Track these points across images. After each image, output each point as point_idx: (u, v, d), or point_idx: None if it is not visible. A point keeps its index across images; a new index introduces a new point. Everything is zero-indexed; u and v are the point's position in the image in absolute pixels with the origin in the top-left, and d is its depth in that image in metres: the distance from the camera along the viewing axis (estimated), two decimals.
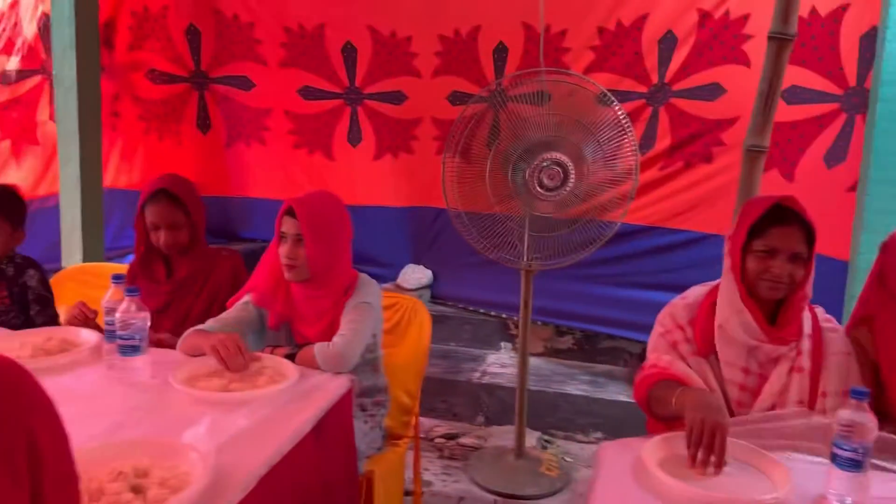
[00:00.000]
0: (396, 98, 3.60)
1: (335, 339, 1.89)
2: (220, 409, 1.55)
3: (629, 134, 2.57)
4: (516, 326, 3.97)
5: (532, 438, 3.42)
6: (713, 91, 3.01)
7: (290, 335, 2.05)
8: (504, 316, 3.79)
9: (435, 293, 3.99)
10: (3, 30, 3.57)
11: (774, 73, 2.27)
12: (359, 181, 3.82)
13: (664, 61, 3.06)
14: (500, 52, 3.35)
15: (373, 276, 3.97)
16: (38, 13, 3.54)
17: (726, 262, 1.59)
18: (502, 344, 3.97)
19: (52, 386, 0.78)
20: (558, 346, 3.91)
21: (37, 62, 3.62)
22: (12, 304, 2.20)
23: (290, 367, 1.78)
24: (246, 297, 2.07)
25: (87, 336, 1.94)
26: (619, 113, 2.53)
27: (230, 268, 2.29)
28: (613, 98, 2.54)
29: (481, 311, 3.90)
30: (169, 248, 2.19)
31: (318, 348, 1.86)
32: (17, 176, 3.76)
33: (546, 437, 3.42)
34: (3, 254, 2.24)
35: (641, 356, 3.84)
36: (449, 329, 3.90)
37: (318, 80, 3.59)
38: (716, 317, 1.60)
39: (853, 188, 2.56)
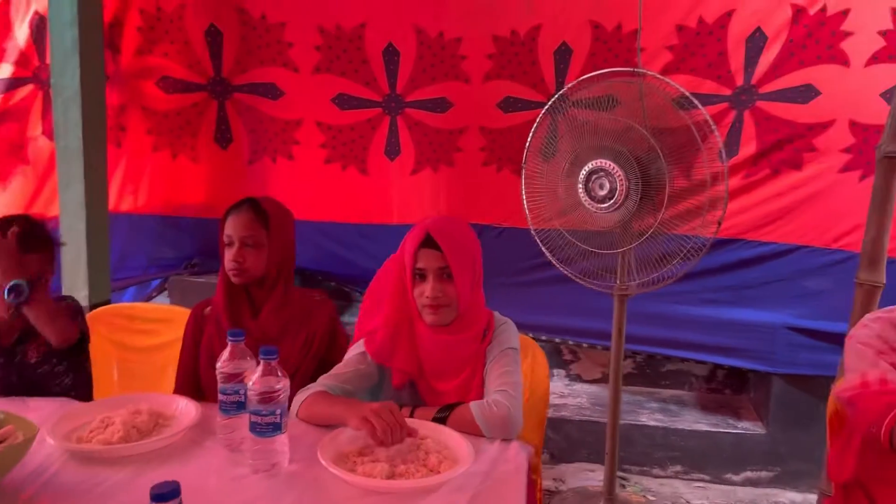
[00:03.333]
0: (441, 106, 3.26)
1: (496, 396, 1.55)
2: (397, 501, 1.20)
3: (715, 140, 2.29)
4: (571, 352, 3.68)
5: (602, 474, 3.12)
6: (805, 93, 2.78)
7: (415, 392, 1.70)
8: (557, 340, 3.48)
9: None
10: None
11: None
12: (394, 198, 3.47)
13: (751, 62, 2.81)
14: (563, 54, 3.06)
15: None
16: (31, 13, 3.08)
17: None
18: (554, 371, 3.66)
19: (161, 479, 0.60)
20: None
21: (28, 69, 3.15)
22: (50, 352, 1.79)
23: (455, 438, 1.43)
24: (362, 348, 1.71)
25: (183, 406, 1.55)
26: (704, 117, 2.26)
27: (327, 316, 1.93)
28: (696, 101, 2.26)
29: (530, 335, 3.58)
30: (239, 271, 1.82)
31: (478, 410, 1.52)
32: (3, 200, 3.28)
33: (621, 475, 3.13)
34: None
35: (708, 379, 3.61)
36: None
37: (355, 87, 3.22)
38: None
39: None
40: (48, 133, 3.19)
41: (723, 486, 3.09)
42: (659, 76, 2.30)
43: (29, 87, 3.15)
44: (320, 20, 3.10)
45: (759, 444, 3.10)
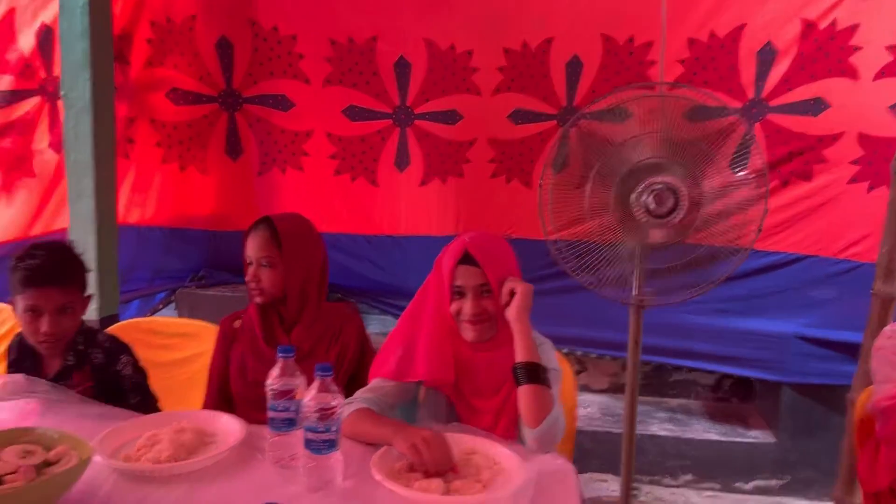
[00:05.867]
0: (450, 118, 3.27)
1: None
2: None
3: (751, 151, 2.33)
4: (578, 362, 3.69)
5: (614, 484, 3.14)
6: (815, 106, 2.83)
7: (451, 409, 1.69)
8: (565, 351, 3.49)
9: None
10: None
11: None
12: (403, 209, 3.47)
13: (762, 75, 2.86)
14: (574, 67, 3.08)
15: None
16: (38, 24, 3.05)
17: None
18: None
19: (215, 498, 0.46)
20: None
21: (35, 81, 3.11)
22: (98, 393, 1.76)
23: (503, 453, 1.44)
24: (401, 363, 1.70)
25: (227, 423, 1.54)
26: (738, 128, 2.28)
27: (357, 330, 1.93)
28: (729, 110, 2.29)
29: None
30: (258, 291, 1.83)
31: (558, 412, 1.53)
32: (8, 213, 3.23)
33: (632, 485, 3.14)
34: (73, 329, 1.81)
35: (714, 388, 3.64)
36: None
37: (365, 99, 3.22)
38: None
39: None
40: (55, 146, 3.15)
41: (733, 495, 3.11)
42: (702, 91, 2.32)
43: (35, 100, 3.10)
44: (332, 33, 3.10)
45: (768, 453, 3.13)
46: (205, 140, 3.23)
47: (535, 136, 3.22)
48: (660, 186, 2.13)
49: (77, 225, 2.97)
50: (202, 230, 3.43)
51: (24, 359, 1.82)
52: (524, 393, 1.51)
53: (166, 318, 2.56)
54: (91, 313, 3.05)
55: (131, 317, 3.19)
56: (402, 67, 3.18)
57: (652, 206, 2.14)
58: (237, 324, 1.97)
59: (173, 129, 3.20)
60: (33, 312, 1.72)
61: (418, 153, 3.35)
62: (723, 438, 3.17)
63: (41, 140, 3.15)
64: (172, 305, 3.50)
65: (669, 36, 2.92)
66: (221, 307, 3.27)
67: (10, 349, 1.89)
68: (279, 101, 3.21)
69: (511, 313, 1.57)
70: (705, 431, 3.22)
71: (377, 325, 3.88)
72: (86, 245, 2.98)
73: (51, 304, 1.72)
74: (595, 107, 2.44)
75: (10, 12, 3.02)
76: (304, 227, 1.93)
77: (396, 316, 3.71)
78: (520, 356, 1.54)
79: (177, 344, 2.31)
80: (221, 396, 1.95)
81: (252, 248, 1.84)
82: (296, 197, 3.36)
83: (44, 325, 1.72)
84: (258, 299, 1.85)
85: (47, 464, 1.21)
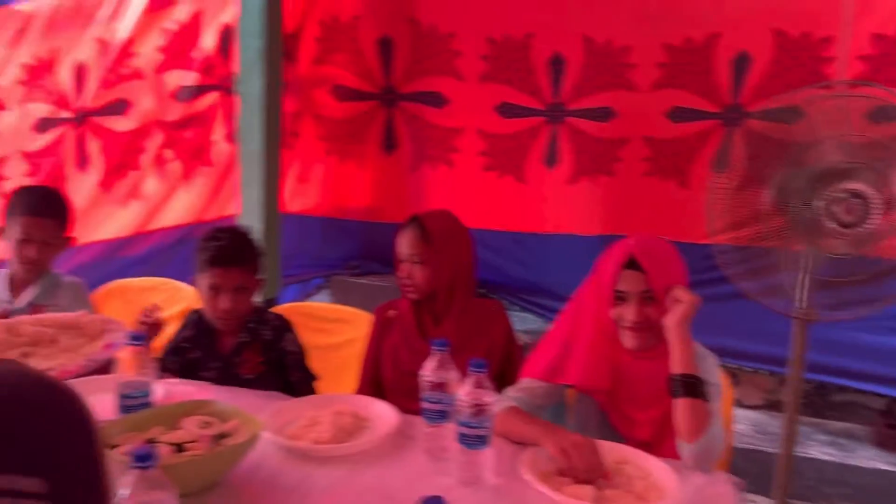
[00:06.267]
0: (603, 115, 3.20)
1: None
2: None
3: None
4: (732, 376, 3.49)
5: None
6: None
7: (604, 420, 1.65)
8: (718, 363, 3.31)
9: None
10: (182, 43, 3.34)
11: None
12: (549, 207, 3.44)
13: None
14: (741, 63, 2.92)
15: (552, 310, 3.60)
16: (219, 24, 3.29)
17: None
18: None
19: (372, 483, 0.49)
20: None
21: (215, 77, 3.36)
22: (266, 370, 1.89)
23: (657, 466, 1.39)
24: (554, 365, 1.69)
25: (381, 409, 1.59)
26: None
27: (504, 327, 1.94)
28: None
29: None
30: (409, 287, 1.87)
31: (718, 429, 1.48)
32: (186, 198, 3.52)
33: None
34: (50, 257, 1.96)
35: (885, 413, 3.34)
36: None
37: (519, 96, 3.22)
38: None
39: None
40: (229, 137, 3.39)
41: None
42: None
43: (214, 95, 3.36)
44: (489, 30, 3.12)
45: None
46: (363, 135, 3.36)
47: (695, 135, 3.08)
48: (848, 195, 1.97)
49: (246, 211, 3.19)
50: (357, 221, 3.58)
51: (200, 335, 1.97)
52: (681, 406, 1.45)
53: (323, 304, 2.69)
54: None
55: (289, 301, 3.39)
56: (557, 64, 3.15)
57: (842, 214, 1.98)
58: (391, 314, 2.04)
59: (335, 124, 3.35)
60: (215, 290, 1.87)
61: (568, 151, 3.31)
62: (892, 469, 2.90)
63: (218, 132, 3.41)
64: (326, 291, 3.68)
65: (851, 31, 2.70)
66: (373, 295, 3.40)
67: (185, 325, 2.06)
68: (434, 97, 3.28)
69: (670, 320, 1.51)
70: (871, 459, 2.96)
71: (518, 323, 3.84)
72: (254, 231, 3.20)
73: (231, 283, 1.86)
74: (766, 105, 2.30)
75: (197, 14, 3.28)
76: (452, 225, 1.97)
77: (537, 314, 3.70)
78: (677, 367, 1.48)
79: (332, 329, 2.43)
80: (373, 383, 2.03)
81: (403, 246, 1.90)
82: (445, 193, 3.42)
83: (223, 303, 1.86)
84: (411, 295, 1.91)
85: (223, 435, 1.31)
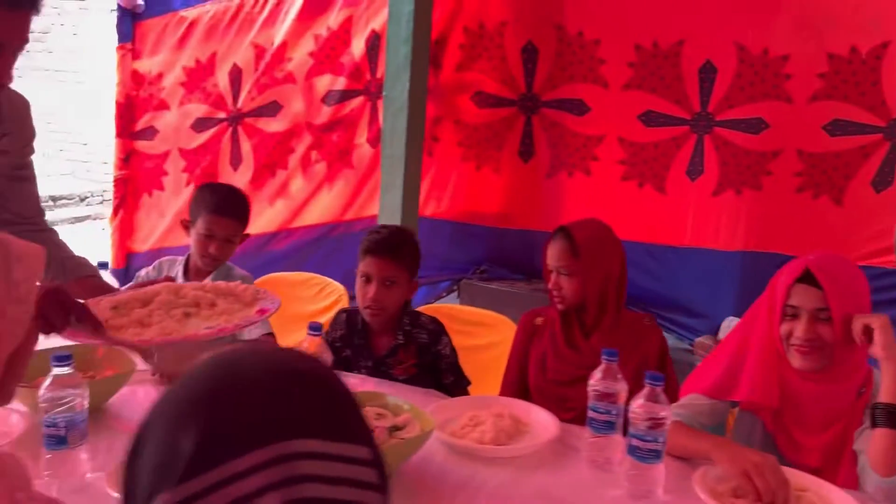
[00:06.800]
0: (755, 126, 3.07)
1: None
2: None
3: None
4: None
5: None
6: None
7: (766, 437, 1.58)
8: None
9: None
10: (332, 48, 3.48)
11: None
12: (689, 219, 3.33)
13: None
14: None
15: (684, 326, 3.47)
16: (368, 31, 3.41)
17: None
18: None
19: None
20: None
21: (361, 82, 3.48)
22: (420, 371, 1.93)
23: (839, 496, 1.31)
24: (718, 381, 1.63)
25: (539, 415, 1.59)
26: None
27: (658, 343, 1.89)
28: None
29: None
30: (558, 298, 1.85)
31: (865, 466, 1.38)
32: (327, 198, 3.66)
33: None
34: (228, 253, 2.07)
35: None
36: None
37: (664, 105, 3.15)
38: None
39: None
40: (371, 140, 3.50)
41: None
42: None
43: (360, 99, 3.48)
44: (637, 37, 3.07)
45: None
46: (501, 141, 3.38)
47: (857, 150, 2.91)
48: None
49: (385, 213, 3.28)
50: (487, 226, 3.60)
51: (352, 335, 2.03)
52: (881, 437, 1.36)
53: (464, 307, 2.72)
54: None
55: (418, 303, 3.46)
56: (708, 72, 3.06)
57: None
58: (539, 321, 2.03)
59: (474, 129, 3.39)
60: (365, 279, 1.92)
61: (714, 162, 3.20)
62: None
63: (361, 135, 3.53)
64: (455, 294, 3.73)
65: None
66: (501, 300, 3.41)
67: (335, 324, 2.13)
68: (575, 105, 3.26)
69: (877, 351, 1.41)
70: None
71: None
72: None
73: (380, 272, 1.90)
74: None
75: (348, 20, 3.42)
76: (602, 235, 1.93)
77: (666, 329, 3.59)
78: (887, 396, 1.39)
79: (473, 332, 2.44)
80: (518, 388, 2.02)
81: (552, 258, 1.88)
82: (580, 201, 3.39)
83: (370, 291, 1.91)
84: (559, 306, 1.89)
85: (395, 428, 1.35)
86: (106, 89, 4.23)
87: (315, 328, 1.51)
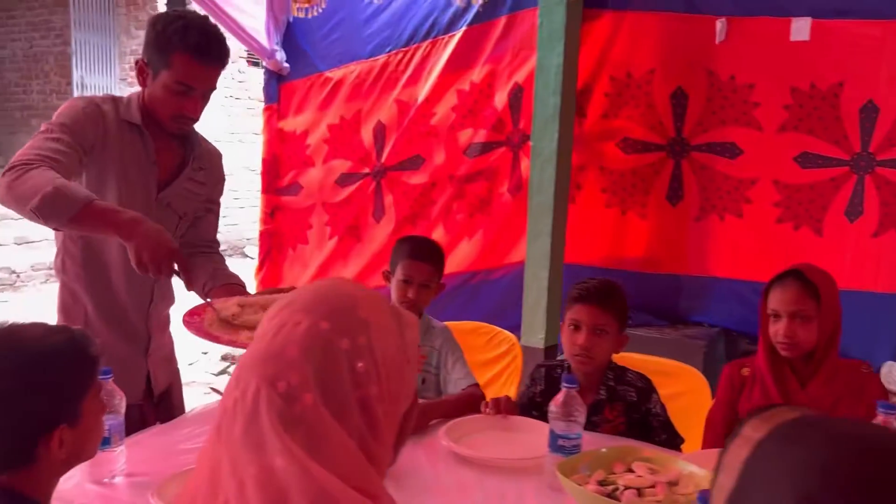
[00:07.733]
0: None
1: None
2: None
3: None
4: None
5: None
6: None
7: None
8: None
9: None
10: (476, 102, 3.57)
11: None
12: (847, 262, 3.22)
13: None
14: None
15: None
16: (511, 84, 3.49)
17: None
18: None
19: None
20: None
21: (503, 133, 3.56)
22: (628, 429, 1.92)
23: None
24: None
25: None
26: None
27: (878, 390, 1.83)
28: None
29: None
30: (790, 345, 1.81)
31: None
32: (468, 247, 3.72)
33: None
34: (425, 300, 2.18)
35: None
36: None
37: (821, 146, 3.09)
38: None
39: None
40: (511, 190, 3.56)
41: None
42: None
43: (501, 150, 3.55)
44: (794, 80, 3.04)
45: None
46: (648, 186, 3.37)
47: None
48: None
49: (533, 261, 3.30)
50: (631, 271, 3.57)
51: (554, 390, 2.04)
52: None
53: (644, 356, 2.69)
54: (538, 342, 3.38)
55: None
56: (869, 112, 2.99)
57: None
58: (745, 371, 2.00)
59: (619, 175, 3.40)
60: (574, 326, 1.94)
61: (874, 202, 3.10)
62: None
63: (502, 185, 3.59)
64: None
65: None
66: (646, 347, 3.34)
67: (533, 379, 2.14)
68: (727, 148, 3.23)
69: None
70: None
71: None
72: (539, 280, 3.31)
73: (591, 320, 1.92)
74: None
75: (490, 74, 3.51)
76: (830, 278, 1.90)
77: None
78: None
79: (655, 382, 2.41)
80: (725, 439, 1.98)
81: (786, 302, 1.83)
82: (732, 244, 3.33)
83: (580, 339, 1.92)
84: (786, 353, 1.85)
85: (671, 483, 1.34)
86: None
87: None
